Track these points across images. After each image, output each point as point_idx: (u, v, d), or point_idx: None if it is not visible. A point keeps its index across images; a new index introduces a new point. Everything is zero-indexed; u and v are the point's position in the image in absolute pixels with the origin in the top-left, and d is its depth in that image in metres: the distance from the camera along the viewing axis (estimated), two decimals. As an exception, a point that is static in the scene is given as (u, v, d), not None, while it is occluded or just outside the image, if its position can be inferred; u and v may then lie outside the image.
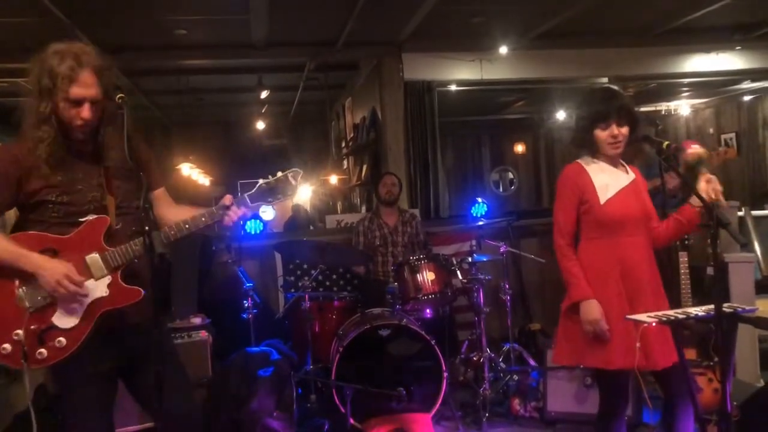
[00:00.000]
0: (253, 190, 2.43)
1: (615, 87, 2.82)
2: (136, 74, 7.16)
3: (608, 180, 2.69)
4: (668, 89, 9.66)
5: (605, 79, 7.17)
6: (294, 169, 2.45)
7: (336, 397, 3.90)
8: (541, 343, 4.89)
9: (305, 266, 5.51)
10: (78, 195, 2.27)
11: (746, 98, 10.12)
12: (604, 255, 2.62)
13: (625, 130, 2.65)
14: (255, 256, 5.66)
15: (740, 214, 5.32)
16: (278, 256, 5.58)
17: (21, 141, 2.24)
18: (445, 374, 4.00)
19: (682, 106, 11.05)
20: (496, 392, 4.40)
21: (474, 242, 4.75)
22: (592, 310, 2.55)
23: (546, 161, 12.61)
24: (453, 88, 7.16)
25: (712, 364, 3.34)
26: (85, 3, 5.03)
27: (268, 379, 4.00)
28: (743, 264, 4.47)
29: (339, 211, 9.85)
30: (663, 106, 11.00)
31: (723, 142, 10.58)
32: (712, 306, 2.23)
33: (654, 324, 2.27)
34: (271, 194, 2.44)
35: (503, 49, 6.53)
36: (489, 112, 11.36)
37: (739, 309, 2.35)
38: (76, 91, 2.17)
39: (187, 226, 2.35)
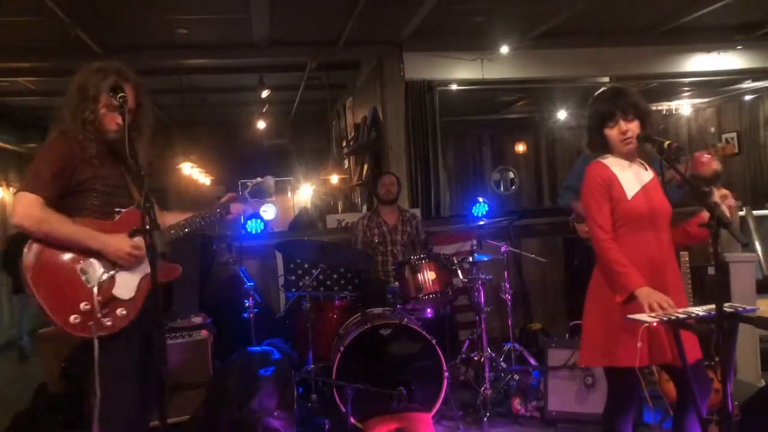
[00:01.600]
0: (248, 189, 2.87)
1: (620, 85, 2.81)
2: (136, 74, 7.14)
3: (632, 176, 2.68)
4: (669, 89, 9.65)
5: (606, 79, 7.17)
6: (268, 176, 2.89)
7: (337, 397, 3.91)
8: (541, 342, 4.89)
9: (306, 266, 5.51)
10: (114, 188, 2.58)
11: (747, 98, 10.12)
12: (633, 251, 2.60)
13: (634, 125, 2.64)
14: (256, 255, 5.66)
15: (741, 213, 5.32)
16: (279, 256, 5.59)
17: (67, 138, 2.51)
18: (446, 374, 4.00)
19: (684, 106, 11.05)
20: (497, 392, 4.40)
21: (475, 242, 4.75)
22: (651, 290, 2.47)
23: (547, 161, 12.62)
24: (454, 87, 7.17)
25: (713, 364, 3.33)
26: (86, 3, 5.04)
27: (269, 379, 4.00)
28: (744, 264, 4.47)
29: (340, 211, 9.84)
30: (664, 106, 10.99)
31: (724, 142, 10.57)
32: (713, 306, 2.23)
33: (655, 324, 2.26)
34: (260, 194, 2.89)
35: (504, 49, 6.52)
36: (490, 112, 11.37)
37: (740, 309, 2.34)
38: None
39: (187, 228, 2.70)
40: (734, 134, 10.45)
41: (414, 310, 4.49)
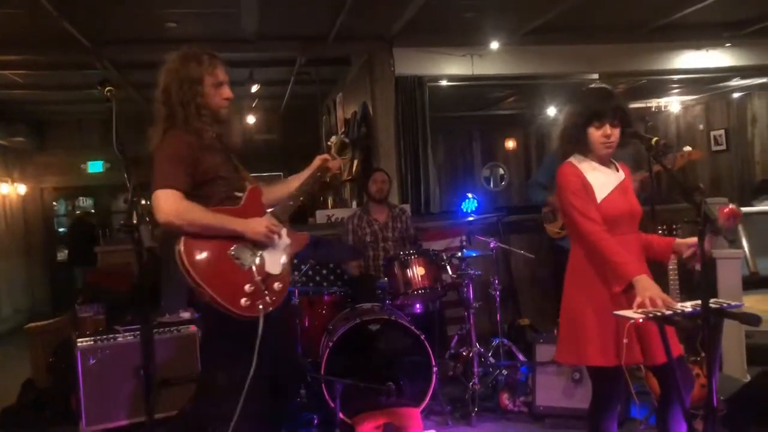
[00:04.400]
0: (333, 148, 2.97)
1: (610, 87, 2.80)
2: (125, 67, 7.11)
3: (602, 179, 2.68)
4: (658, 86, 9.70)
5: (596, 76, 7.19)
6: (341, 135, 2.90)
7: (325, 392, 3.90)
8: (530, 338, 4.90)
9: (295, 261, 5.48)
10: (230, 172, 2.68)
11: (735, 95, 10.19)
12: None
13: (617, 131, 2.64)
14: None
15: (728, 210, 5.34)
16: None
17: (184, 129, 2.58)
18: (435, 369, 4.01)
19: (673, 103, 11.11)
20: (485, 387, 4.41)
21: (464, 237, 4.75)
22: (650, 283, 2.45)
23: (536, 157, 12.65)
24: (444, 83, 7.17)
25: (699, 359, 3.36)
26: (74, -5, 5.00)
27: (258, 374, 3.99)
28: (731, 260, 4.50)
29: (329, 206, 9.83)
30: (653, 103, 11.06)
31: (713, 139, 10.65)
32: (699, 302, 2.25)
33: (641, 320, 2.28)
34: (344, 148, 3.00)
35: (494, 45, 6.53)
36: (480, 108, 11.37)
37: (726, 305, 2.36)
38: (220, 74, 2.66)
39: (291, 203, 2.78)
40: (722, 131, 10.52)
41: (403, 305, 4.50)
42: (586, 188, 2.64)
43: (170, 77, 2.63)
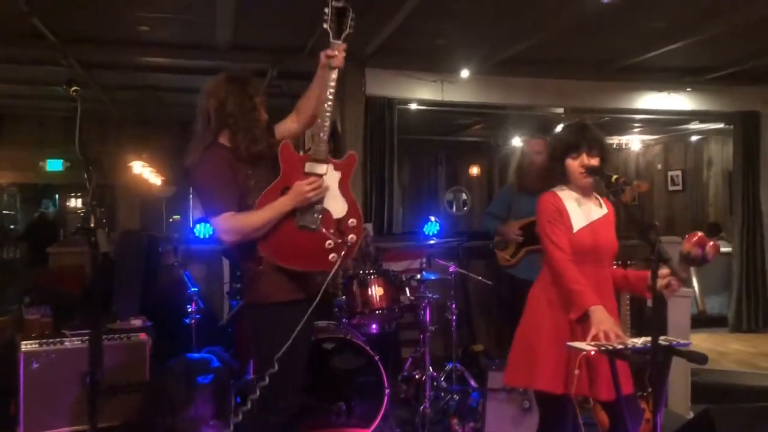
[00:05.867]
0: (330, 34, 2.77)
1: (588, 122, 2.90)
2: (93, 67, 6.99)
3: (581, 210, 2.75)
4: (621, 124, 9.94)
5: (561, 110, 7.35)
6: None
7: (275, 409, 3.85)
8: (483, 364, 4.93)
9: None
10: (264, 178, 2.75)
11: (693, 138, 10.51)
12: None
13: (595, 161, 2.72)
14: (202, 260, 5.57)
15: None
16: (226, 262, 5.50)
17: (224, 146, 2.77)
18: (387, 390, 3.99)
19: (633, 142, 11.39)
20: (436, 411, 4.41)
21: (424, 260, 4.77)
22: (605, 315, 2.51)
23: (499, 184, 12.80)
24: (413, 106, 7.23)
25: (645, 394, 3.42)
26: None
27: (207, 387, 3.93)
28: (681, 299, 4.61)
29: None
30: (615, 140, 11.31)
31: (670, 179, 10.95)
32: (649, 338, 2.30)
33: (593, 353, 2.31)
34: (340, 21, 2.79)
35: (465, 73, 6.63)
36: (447, 133, 11.50)
37: (675, 342, 2.41)
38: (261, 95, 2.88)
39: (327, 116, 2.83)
40: (679, 172, 10.83)
41: (359, 324, 4.48)
42: (562, 215, 2.71)
43: (226, 92, 2.74)
